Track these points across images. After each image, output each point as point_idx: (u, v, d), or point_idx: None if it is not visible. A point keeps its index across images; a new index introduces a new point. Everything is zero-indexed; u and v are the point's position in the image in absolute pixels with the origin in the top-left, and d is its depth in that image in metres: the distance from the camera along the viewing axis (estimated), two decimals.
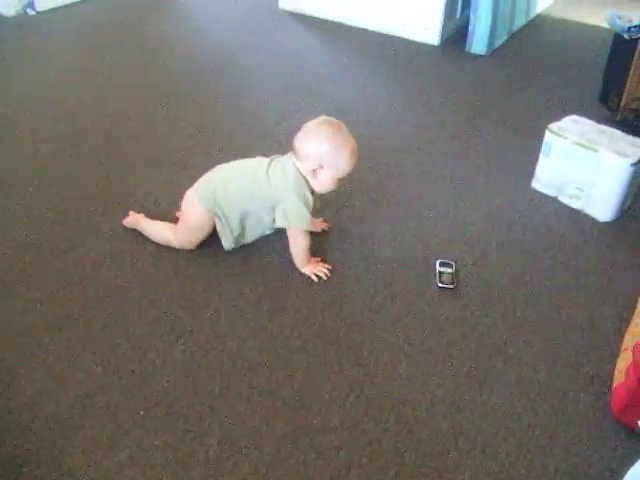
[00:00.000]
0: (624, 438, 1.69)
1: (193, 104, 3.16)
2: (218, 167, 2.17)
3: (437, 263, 2.20)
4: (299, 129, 2.04)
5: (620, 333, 1.98)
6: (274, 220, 2.12)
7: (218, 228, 2.15)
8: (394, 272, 2.19)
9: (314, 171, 2.02)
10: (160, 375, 1.78)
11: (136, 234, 2.26)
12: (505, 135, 3.11)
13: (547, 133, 2.66)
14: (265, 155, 2.14)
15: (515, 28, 4.50)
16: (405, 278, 2.16)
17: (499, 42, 4.25)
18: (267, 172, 2.05)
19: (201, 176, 2.17)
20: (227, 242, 2.18)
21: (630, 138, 2.67)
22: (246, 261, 2.17)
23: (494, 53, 4.11)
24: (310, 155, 2.01)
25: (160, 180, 2.58)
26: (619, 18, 3.36)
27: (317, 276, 2.14)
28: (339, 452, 1.61)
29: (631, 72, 3.33)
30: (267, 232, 2.24)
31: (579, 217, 2.57)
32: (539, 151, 2.68)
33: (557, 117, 2.65)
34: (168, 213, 2.32)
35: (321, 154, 2.00)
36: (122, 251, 2.20)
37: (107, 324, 1.92)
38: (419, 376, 1.82)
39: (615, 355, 1.90)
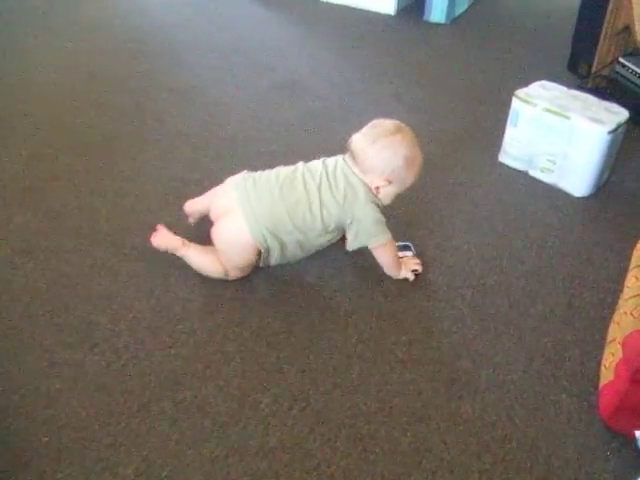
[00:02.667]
0: (617, 447, 1.44)
1: (124, 84, 2.82)
2: (261, 186, 1.76)
3: None
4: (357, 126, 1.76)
5: (604, 322, 1.72)
6: (337, 238, 1.83)
7: (263, 257, 1.79)
8: (345, 259, 1.90)
9: (378, 188, 1.74)
10: (69, 391, 1.47)
11: None
12: (468, 106, 2.84)
13: (514, 100, 2.39)
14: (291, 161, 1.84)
15: None
16: (357, 265, 1.87)
17: (459, 10, 3.99)
18: (329, 191, 1.73)
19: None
20: (268, 263, 1.83)
21: (605, 103, 2.41)
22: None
23: (454, 22, 3.83)
24: (379, 170, 1.72)
25: (80, 169, 2.25)
26: None
27: (414, 272, 1.87)
28: (279, 478, 1.32)
29: (602, 35, 3.07)
30: (323, 246, 1.86)
31: (552, 192, 2.31)
32: (505, 122, 2.41)
33: (523, 86, 2.38)
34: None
35: (392, 169, 1.72)
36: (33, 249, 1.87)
37: (8, 333, 1.61)
38: (374, 382, 1.54)
39: (600, 348, 1.64)
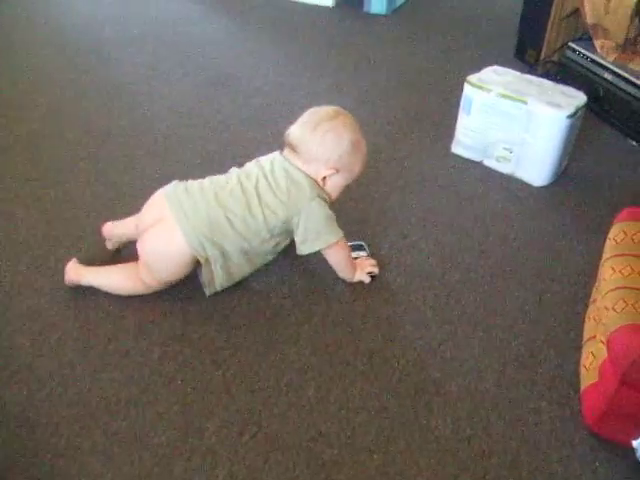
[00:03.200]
0: (605, 457, 1.30)
1: (47, 81, 2.59)
2: (195, 192, 1.57)
3: None
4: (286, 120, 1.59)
5: (578, 318, 1.59)
6: (286, 244, 1.65)
7: (204, 273, 1.57)
8: (294, 263, 1.72)
9: (324, 178, 1.58)
10: None
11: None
12: (415, 97, 2.69)
13: (466, 86, 2.25)
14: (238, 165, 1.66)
15: None
16: (308, 269, 1.70)
17: (400, 1, 3.84)
18: (269, 191, 1.55)
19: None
20: (214, 288, 1.61)
21: (560, 87, 2.29)
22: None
23: (395, 12, 3.69)
24: (324, 157, 1.55)
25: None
26: None
27: (370, 274, 1.71)
28: None
29: (550, 19, 2.97)
30: (268, 260, 1.68)
31: (510, 183, 2.18)
32: (456, 111, 2.27)
33: (471, 74, 2.24)
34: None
35: (339, 155, 1.56)
36: None
37: None
38: (333, 399, 1.37)
39: (576, 347, 1.50)
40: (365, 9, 3.70)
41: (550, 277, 1.77)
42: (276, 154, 1.62)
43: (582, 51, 2.78)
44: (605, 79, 2.66)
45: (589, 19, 2.74)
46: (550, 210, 2.06)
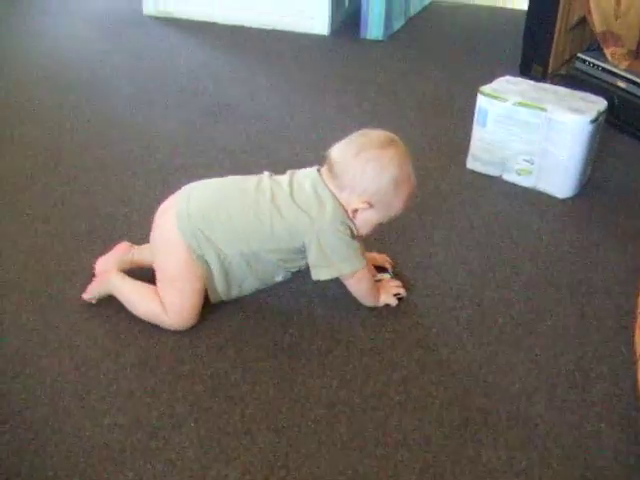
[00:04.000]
0: None
1: (39, 116, 2.45)
2: (201, 185, 1.49)
3: None
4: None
5: (627, 331, 1.43)
6: (297, 264, 1.48)
7: (203, 275, 1.44)
8: (311, 289, 1.57)
9: (356, 211, 1.41)
10: None
11: None
12: (422, 116, 2.58)
13: (480, 97, 2.12)
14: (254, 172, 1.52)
15: (412, 12, 4.03)
16: (328, 295, 1.56)
17: (397, 26, 3.76)
18: (287, 195, 1.41)
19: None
20: (217, 294, 1.48)
21: (578, 93, 2.18)
22: (95, 308, 1.49)
23: (392, 37, 3.60)
24: (359, 188, 1.39)
25: None
26: None
27: (397, 296, 1.55)
28: None
29: (557, 31, 2.86)
30: (279, 280, 1.53)
31: (533, 196, 2.04)
32: (467, 127, 2.14)
33: (475, 92, 2.11)
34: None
35: (376, 190, 1.39)
36: None
37: None
38: (369, 435, 1.22)
39: (631, 362, 1.34)
40: (362, 35, 3.61)
41: (590, 290, 1.62)
42: (313, 169, 1.47)
43: (592, 61, 2.67)
44: (619, 87, 2.55)
45: (598, 27, 2.63)
46: (579, 221, 1.92)
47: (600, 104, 2.07)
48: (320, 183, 1.42)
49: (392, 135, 1.45)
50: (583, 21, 2.79)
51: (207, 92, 2.74)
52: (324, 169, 1.45)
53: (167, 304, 1.40)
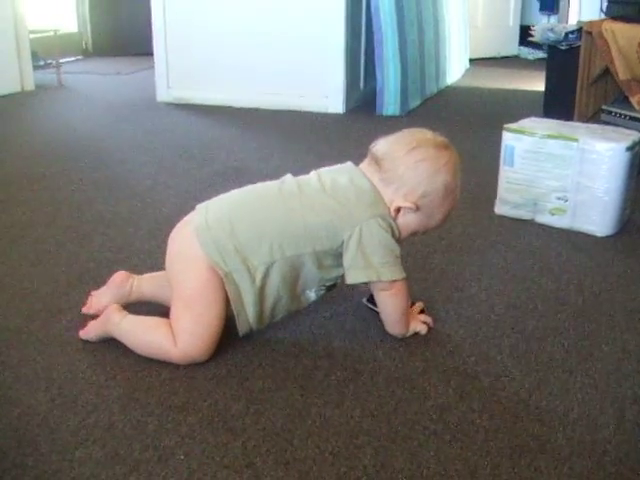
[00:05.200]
0: None
1: (39, 182, 2.31)
2: (217, 198, 1.32)
3: None
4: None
5: None
6: (334, 275, 1.28)
7: (231, 297, 1.23)
8: (327, 319, 1.37)
9: (399, 210, 1.25)
10: None
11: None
12: None
13: (505, 135, 1.98)
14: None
15: (428, 93, 3.99)
16: (346, 326, 1.36)
17: (413, 104, 3.71)
18: (319, 189, 1.26)
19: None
20: (246, 322, 1.26)
21: (610, 127, 2.03)
22: (79, 344, 1.30)
23: (409, 114, 3.51)
24: (408, 185, 1.25)
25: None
26: (550, 30, 2.81)
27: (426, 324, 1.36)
28: None
29: (578, 88, 2.74)
30: (312, 299, 1.32)
31: (570, 236, 1.87)
32: (491, 176, 1.99)
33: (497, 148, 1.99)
34: None
35: (426, 192, 1.25)
36: None
37: None
38: (399, 467, 1.00)
39: None
40: (378, 112, 3.54)
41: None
42: (349, 163, 1.32)
43: (618, 111, 2.55)
44: None
45: (621, 75, 2.52)
46: (625, 256, 1.74)
47: (635, 135, 1.91)
48: (359, 174, 1.27)
49: (448, 141, 1.30)
50: (606, 72, 2.68)
51: (218, 159, 2.63)
52: (365, 163, 1.30)
53: (179, 332, 1.20)
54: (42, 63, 4.41)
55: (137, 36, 5.27)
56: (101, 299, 1.35)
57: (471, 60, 5.30)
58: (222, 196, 1.31)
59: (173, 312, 1.22)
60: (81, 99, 3.94)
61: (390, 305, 1.27)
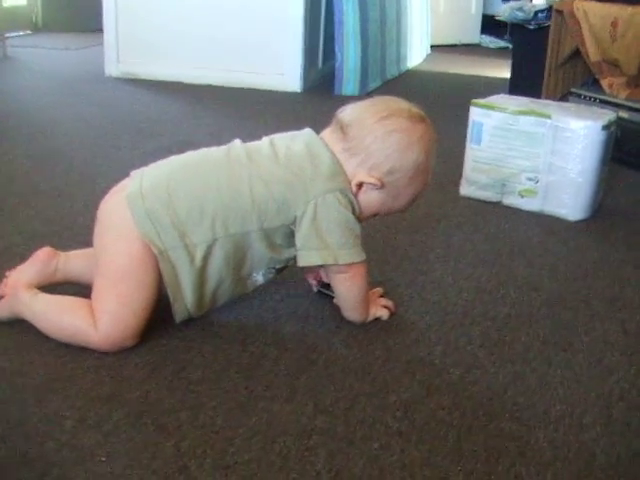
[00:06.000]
0: None
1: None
2: (155, 164, 1.16)
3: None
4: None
5: None
6: (285, 256, 1.13)
7: (166, 280, 1.06)
8: (281, 303, 1.22)
9: (361, 185, 1.11)
10: None
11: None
12: None
13: (472, 110, 1.85)
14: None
15: (388, 75, 3.85)
16: (299, 312, 1.22)
17: (373, 86, 3.56)
18: (271, 156, 1.10)
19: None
20: (184, 308, 1.10)
21: (583, 106, 1.91)
22: None
23: (369, 95, 3.35)
24: (374, 158, 1.10)
25: None
26: (519, 9, 2.69)
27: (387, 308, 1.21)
28: None
29: (546, 70, 2.63)
30: (259, 282, 1.16)
31: (540, 219, 1.74)
32: (454, 154, 1.86)
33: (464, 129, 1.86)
34: None
35: (394, 168, 1.10)
36: None
37: None
38: (359, 473, 0.85)
39: None
40: (336, 92, 3.40)
41: (628, 306, 1.30)
42: (307, 129, 1.17)
43: (588, 94, 2.43)
44: (621, 118, 2.28)
45: (592, 56, 2.41)
46: (599, 241, 1.63)
47: (610, 114, 1.80)
48: (318, 142, 1.12)
49: (424, 113, 1.15)
50: (575, 55, 2.57)
51: (165, 134, 2.45)
52: (328, 130, 1.15)
53: (101, 313, 1.03)
54: None
55: (89, 12, 5.01)
56: (21, 277, 1.18)
57: (432, 47, 5.19)
58: (161, 162, 1.14)
59: (96, 291, 1.06)
60: (26, 72, 3.71)
61: (347, 289, 1.13)
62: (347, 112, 1.14)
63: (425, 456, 0.87)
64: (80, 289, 1.16)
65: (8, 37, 4.25)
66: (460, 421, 0.94)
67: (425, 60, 4.76)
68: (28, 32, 5.31)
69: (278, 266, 1.14)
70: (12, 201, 1.69)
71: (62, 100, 2.97)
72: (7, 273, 1.17)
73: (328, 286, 1.20)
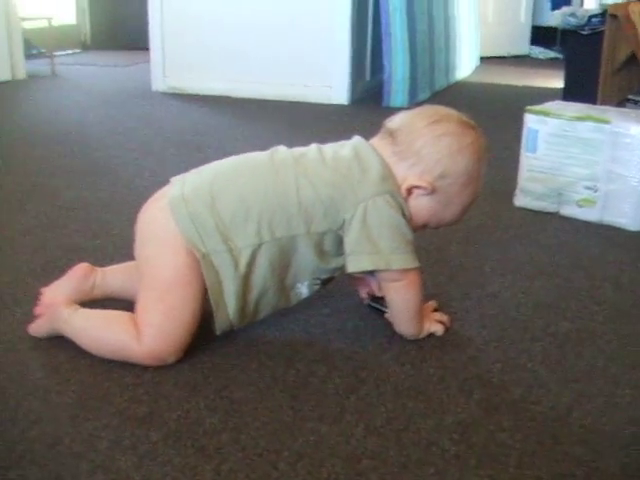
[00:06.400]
0: None
1: (19, 167, 2.11)
2: (197, 169, 1.12)
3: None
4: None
5: None
6: (332, 265, 1.08)
7: (209, 286, 1.02)
8: (327, 317, 1.16)
9: (411, 190, 1.06)
10: None
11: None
12: None
13: (527, 117, 1.78)
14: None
15: (437, 87, 3.79)
16: (346, 326, 1.16)
17: (422, 97, 3.50)
18: (318, 160, 1.06)
19: None
20: (226, 317, 1.05)
21: None
22: (29, 340, 1.09)
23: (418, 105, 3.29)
24: (425, 163, 1.06)
25: None
26: (571, 15, 2.60)
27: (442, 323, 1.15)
28: None
29: (601, 77, 2.53)
30: (304, 295, 1.11)
31: (599, 230, 1.66)
32: (508, 169, 1.80)
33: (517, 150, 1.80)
34: None
35: (445, 173, 1.06)
36: None
37: None
38: None
39: None
40: (385, 103, 3.34)
41: None
42: (356, 136, 1.12)
43: None
44: None
45: None
46: None
47: None
48: (366, 146, 1.08)
49: (473, 121, 1.11)
50: (631, 60, 2.47)
51: (211, 147, 2.43)
52: (376, 138, 1.11)
53: (146, 327, 1.00)
54: (35, 52, 4.22)
55: (136, 29, 5.09)
56: (57, 293, 1.14)
57: (480, 59, 5.10)
58: (202, 167, 1.10)
59: (140, 303, 1.01)
60: (73, 88, 3.75)
61: (401, 299, 1.07)
62: (395, 119, 1.11)
63: None
64: (120, 304, 1.11)
65: (57, 55, 4.31)
66: (522, 444, 0.87)
67: (474, 72, 4.69)
68: (77, 50, 5.40)
69: (324, 276, 1.08)
70: (56, 214, 1.67)
71: (109, 115, 2.98)
72: (42, 290, 1.14)
73: (379, 300, 1.14)
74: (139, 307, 1.02)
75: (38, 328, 1.09)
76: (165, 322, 0.99)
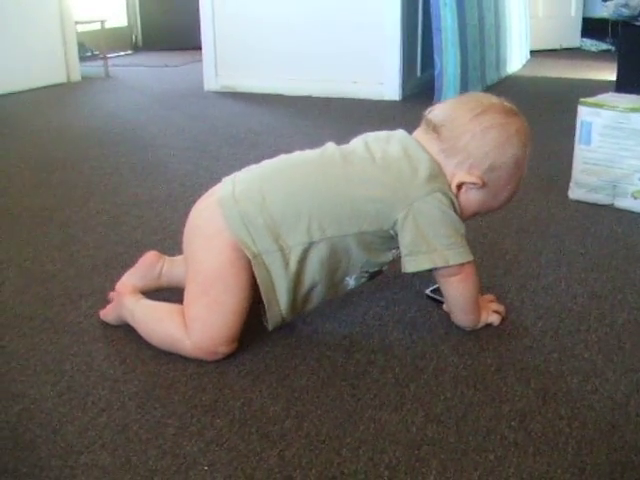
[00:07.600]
0: None
1: (75, 166, 2.17)
2: (247, 168, 1.15)
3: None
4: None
5: None
6: (381, 260, 1.10)
7: (261, 285, 1.04)
8: (384, 308, 1.18)
9: (461, 185, 1.08)
10: None
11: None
12: None
13: (581, 109, 1.76)
14: None
15: (489, 81, 3.76)
16: (405, 316, 1.17)
17: (474, 90, 3.45)
18: (367, 159, 1.07)
19: None
20: (278, 313, 1.07)
21: None
22: (97, 330, 1.14)
23: None
24: (474, 156, 1.07)
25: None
26: (624, 5, 2.56)
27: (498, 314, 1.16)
28: None
29: None
30: (351, 286, 1.13)
31: None
32: (561, 162, 1.78)
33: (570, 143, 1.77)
34: None
35: (494, 165, 1.07)
36: None
37: None
38: None
39: None
40: (436, 98, 3.33)
41: None
42: (399, 130, 1.13)
43: None
44: None
45: None
46: None
47: None
48: (414, 144, 1.08)
49: (515, 107, 1.11)
50: None
51: (265, 144, 2.46)
52: (419, 131, 1.11)
53: (192, 321, 1.03)
54: (89, 54, 4.33)
55: (187, 30, 5.17)
56: (127, 281, 1.19)
57: (531, 52, 5.04)
58: (252, 166, 1.13)
59: (187, 298, 1.05)
60: (127, 89, 3.83)
61: (460, 292, 1.08)
62: (437, 112, 1.11)
63: (544, 469, 0.81)
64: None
65: (110, 57, 4.40)
66: (580, 432, 0.88)
67: (525, 66, 4.64)
68: (129, 52, 5.51)
69: (372, 270, 1.10)
70: (115, 212, 1.72)
71: (162, 115, 3.05)
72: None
73: (437, 291, 1.16)
74: (185, 301, 1.05)
75: (107, 314, 1.14)
76: (210, 315, 1.02)
